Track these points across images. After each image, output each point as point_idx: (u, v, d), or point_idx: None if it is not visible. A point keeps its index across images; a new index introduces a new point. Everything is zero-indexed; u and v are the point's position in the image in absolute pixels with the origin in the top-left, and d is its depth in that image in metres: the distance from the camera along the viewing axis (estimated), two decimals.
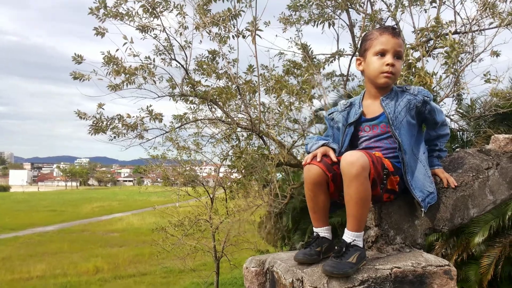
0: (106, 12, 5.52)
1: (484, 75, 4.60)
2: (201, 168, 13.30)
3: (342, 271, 1.58)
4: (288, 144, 6.77)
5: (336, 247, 1.73)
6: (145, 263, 20.78)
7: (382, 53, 1.90)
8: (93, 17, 5.73)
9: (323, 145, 1.83)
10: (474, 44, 5.69)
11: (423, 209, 1.87)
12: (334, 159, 1.78)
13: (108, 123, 6.55)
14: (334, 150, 1.83)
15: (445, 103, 5.55)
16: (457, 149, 2.29)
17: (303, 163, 1.82)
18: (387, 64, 1.88)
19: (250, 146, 6.90)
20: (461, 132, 8.30)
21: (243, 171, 7.28)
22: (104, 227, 33.99)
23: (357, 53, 2.09)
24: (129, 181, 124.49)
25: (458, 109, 7.39)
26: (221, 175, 11.07)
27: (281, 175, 9.56)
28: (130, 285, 17.17)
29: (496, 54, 5.78)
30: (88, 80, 5.82)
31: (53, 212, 43.21)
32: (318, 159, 1.76)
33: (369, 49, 1.95)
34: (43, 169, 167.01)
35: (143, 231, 28.02)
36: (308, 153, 1.86)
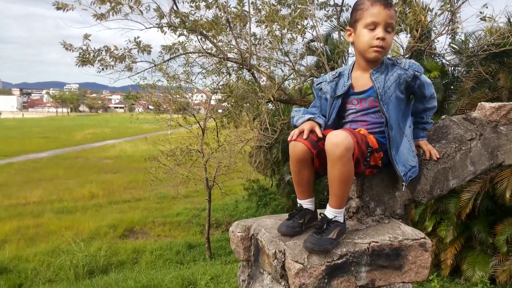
0: None
1: (480, 12, 4.48)
2: (192, 96, 13.24)
3: (322, 247, 1.66)
4: (279, 79, 6.72)
5: (318, 222, 1.80)
6: (139, 189, 21.32)
7: (372, 26, 1.83)
8: None
9: (309, 119, 1.83)
10: None
11: (404, 183, 1.90)
12: (320, 135, 1.78)
13: (95, 54, 6.40)
14: (320, 125, 1.84)
15: (438, 41, 5.46)
16: (443, 117, 2.30)
17: (288, 139, 1.81)
18: (378, 38, 1.81)
19: (241, 80, 6.84)
20: (452, 68, 8.25)
21: (233, 103, 7.29)
22: (97, 153, 34.38)
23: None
24: (120, 107, 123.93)
25: (451, 44, 7.27)
26: (212, 102, 11.05)
27: (271, 107, 9.59)
28: (125, 209, 17.72)
29: None
30: (72, 10, 5.59)
31: (46, 139, 43.36)
32: (305, 136, 1.76)
33: (359, 21, 1.86)
34: (32, 95, 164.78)
35: (136, 158, 28.47)
36: (295, 126, 1.86)
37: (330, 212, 1.75)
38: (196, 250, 12.90)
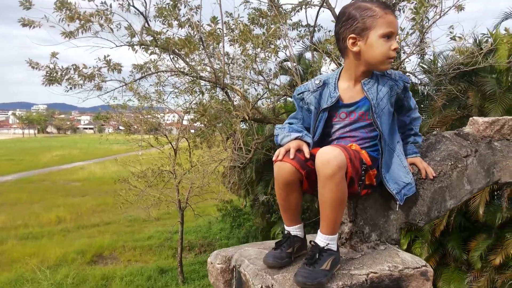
0: None
1: (450, 32, 4.58)
2: (163, 116, 13.05)
3: (316, 281, 1.48)
4: (253, 98, 6.66)
5: (308, 252, 1.60)
6: (109, 212, 20.70)
7: (388, 36, 1.69)
8: None
9: (296, 138, 1.68)
10: None
11: (398, 202, 1.74)
12: (307, 155, 1.61)
13: (63, 73, 6.19)
14: (308, 144, 1.67)
15: (409, 60, 5.55)
16: (434, 132, 2.18)
17: (273, 158, 1.64)
18: (394, 49, 1.70)
19: (214, 99, 6.74)
20: (422, 87, 8.42)
21: (206, 123, 7.17)
22: (65, 176, 33.32)
23: (350, 31, 1.71)
24: (90, 128, 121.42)
25: (420, 64, 7.42)
26: (185, 122, 10.90)
27: (245, 126, 9.52)
28: (93, 234, 17.11)
29: (460, 8, 5.75)
30: (39, 27, 5.39)
31: (11, 161, 41.85)
32: (291, 156, 1.59)
33: (372, 29, 1.69)
34: None
35: (105, 180, 27.66)
36: (279, 145, 1.70)
37: (321, 239, 1.57)
38: (168, 275, 12.51)
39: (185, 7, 6.09)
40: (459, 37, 4.47)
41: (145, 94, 9.84)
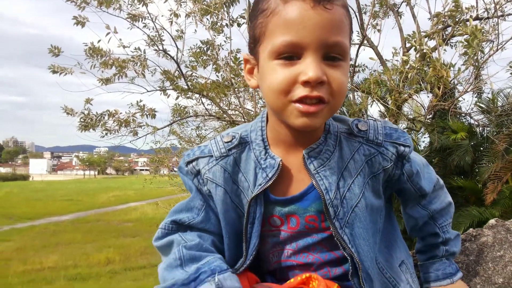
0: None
1: (511, 67, 4.01)
2: None
3: None
4: None
5: None
6: (157, 255, 19.69)
7: (289, 54, 0.83)
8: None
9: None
10: (496, 31, 5.07)
11: None
12: None
13: (98, 119, 6.15)
14: None
15: (464, 99, 4.97)
16: (492, 221, 1.25)
17: None
18: (305, 82, 0.81)
19: None
20: (481, 128, 7.67)
21: None
22: (119, 216, 34.15)
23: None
24: (146, 170, 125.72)
25: (477, 103, 6.76)
26: None
27: None
28: (139, 277, 17.01)
29: None
30: (71, 74, 5.41)
31: (70, 201, 43.69)
32: None
33: (264, 40, 0.85)
34: (62, 158, 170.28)
35: (156, 221, 27.81)
36: None
37: None
38: None
39: (219, 50, 5.92)
40: None
41: (189, 139, 9.88)
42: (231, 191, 0.95)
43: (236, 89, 5.26)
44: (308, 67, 0.80)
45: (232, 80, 5.07)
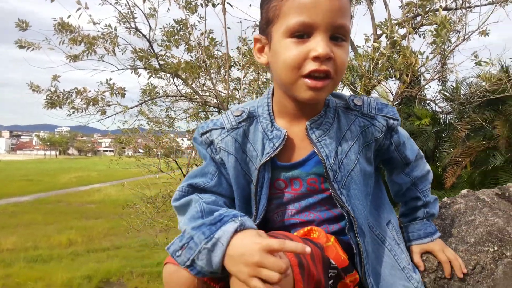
0: None
1: (475, 57, 4.20)
2: (182, 140, 12.92)
3: None
4: None
5: None
6: (121, 236, 20.38)
7: (302, 32, 0.93)
8: None
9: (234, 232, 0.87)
10: (463, 22, 5.26)
11: None
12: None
13: (65, 97, 5.98)
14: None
15: (430, 86, 5.15)
16: (464, 191, 1.43)
17: (164, 262, 0.96)
18: (315, 58, 0.92)
19: None
20: (444, 115, 7.97)
21: None
22: (81, 198, 33.45)
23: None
24: (110, 151, 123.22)
25: (442, 91, 7.00)
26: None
27: None
28: (102, 258, 16.80)
29: (485, 33, 5.36)
30: (39, 49, 5.21)
31: (29, 182, 42.36)
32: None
33: (277, 21, 0.95)
34: (22, 137, 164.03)
35: (121, 202, 27.27)
36: (198, 272, 0.86)
37: None
38: None
39: (192, 30, 5.85)
40: (486, 62, 4.08)
41: (157, 119, 9.73)
42: (241, 159, 1.06)
43: (209, 71, 5.23)
44: (318, 45, 0.91)
45: (206, 61, 5.04)
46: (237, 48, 6.31)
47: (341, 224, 1.08)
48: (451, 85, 7.28)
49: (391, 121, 1.08)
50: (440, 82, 6.72)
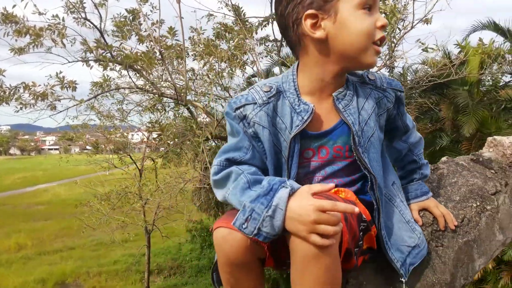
0: None
1: (422, 43, 4.43)
2: (132, 134, 12.60)
3: None
4: (220, 115, 6.34)
5: None
6: (73, 237, 19.72)
7: (370, 6, 1.07)
8: None
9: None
10: (407, 10, 5.52)
11: (403, 279, 1.16)
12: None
13: (12, 92, 5.70)
14: None
15: (380, 73, 5.36)
16: (444, 158, 1.61)
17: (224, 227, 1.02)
18: (382, 26, 1.09)
19: (178, 118, 6.39)
20: None
21: (171, 143, 6.80)
22: (27, 199, 31.92)
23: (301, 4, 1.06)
24: (55, 149, 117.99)
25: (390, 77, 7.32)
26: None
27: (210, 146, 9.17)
28: (56, 261, 16.21)
29: (428, 21, 5.64)
30: None
31: None
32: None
33: None
34: None
35: (70, 202, 26.41)
36: (271, 237, 0.95)
37: None
38: None
39: (144, 20, 5.73)
40: (432, 48, 4.33)
41: (108, 113, 9.40)
42: (272, 132, 1.13)
43: (165, 61, 5.16)
44: (380, 16, 1.09)
45: (163, 51, 4.96)
46: (189, 38, 6.26)
47: (358, 186, 1.19)
48: (399, 72, 7.66)
49: (399, 93, 1.24)
50: (388, 69, 7.02)
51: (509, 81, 9.58)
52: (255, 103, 1.14)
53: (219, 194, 1.13)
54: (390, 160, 1.33)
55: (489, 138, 1.67)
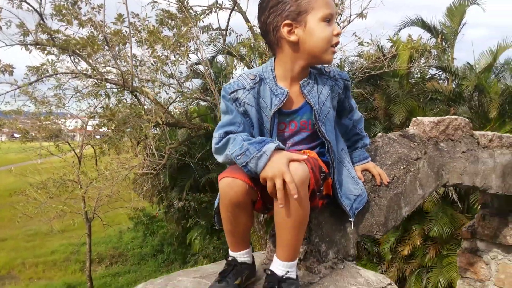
0: None
1: (359, 37, 4.75)
2: (65, 121, 12.12)
3: None
4: (165, 101, 6.37)
5: (264, 284, 1.36)
6: (5, 228, 18.68)
7: (329, 19, 1.44)
8: None
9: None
10: (344, 5, 5.85)
11: (351, 219, 1.60)
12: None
13: None
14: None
15: (332, 66, 5.67)
16: (379, 133, 2.07)
17: (219, 176, 1.37)
18: (337, 34, 1.46)
19: (122, 103, 6.33)
20: None
21: (114, 128, 6.72)
22: None
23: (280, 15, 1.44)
24: None
25: None
26: (89, 128, 10.19)
27: (157, 132, 9.12)
28: None
29: (363, 16, 6.02)
30: None
31: None
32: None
33: (311, 12, 1.43)
34: None
35: (0, 192, 25.08)
36: (252, 172, 1.30)
37: (280, 267, 1.35)
38: None
39: (86, 5, 5.61)
40: (367, 42, 4.65)
41: (43, 99, 8.97)
42: (257, 110, 1.50)
43: (110, 47, 5.10)
44: (336, 27, 1.48)
45: (107, 37, 4.91)
46: (131, 23, 6.21)
47: (318, 150, 1.57)
48: (337, 63, 8.05)
49: (347, 82, 1.63)
50: None
51: (434, 74, 10.37)
52: (245, 88, 1.49)
53: (221, 158, 1.45)
54: (340, 133, 1.72)
55: (414, 118, 2.11)
